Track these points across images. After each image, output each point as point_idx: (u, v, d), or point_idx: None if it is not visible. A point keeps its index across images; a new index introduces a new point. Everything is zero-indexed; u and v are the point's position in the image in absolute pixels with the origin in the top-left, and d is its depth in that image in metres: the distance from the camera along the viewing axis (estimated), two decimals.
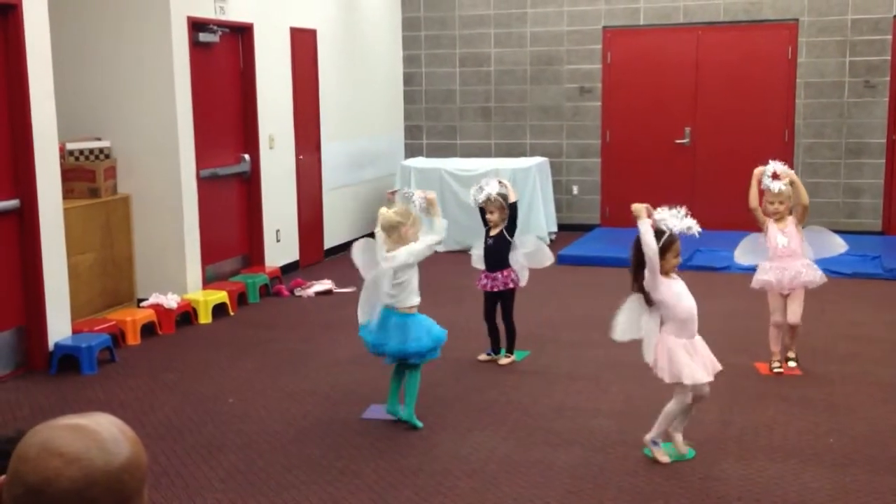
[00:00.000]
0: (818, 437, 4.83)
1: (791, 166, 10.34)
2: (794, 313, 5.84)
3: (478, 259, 6.26)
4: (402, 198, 5.21)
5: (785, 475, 4.37)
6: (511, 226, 6.07)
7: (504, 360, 6.20)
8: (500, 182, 6.16)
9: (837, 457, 4.58)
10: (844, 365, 6.07)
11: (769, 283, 5.85)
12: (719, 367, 4.57)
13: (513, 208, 6.06)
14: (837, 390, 5.57)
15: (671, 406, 4.54)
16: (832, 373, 5.90)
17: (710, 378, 4.53)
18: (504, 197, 6.08)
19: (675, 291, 4.46)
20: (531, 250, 6.17)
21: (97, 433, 1.38)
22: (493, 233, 6.15)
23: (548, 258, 6.24)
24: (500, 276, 6.10)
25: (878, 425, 4.98)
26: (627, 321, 4.58)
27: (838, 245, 5.97)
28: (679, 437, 4.62)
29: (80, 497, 1.33)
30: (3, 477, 1.39)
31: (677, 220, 4.43)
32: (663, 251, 4.40)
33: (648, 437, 4.59)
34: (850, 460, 4.53)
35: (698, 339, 4.53)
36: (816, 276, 5.85)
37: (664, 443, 4.61)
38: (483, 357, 6.26)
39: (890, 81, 10.25)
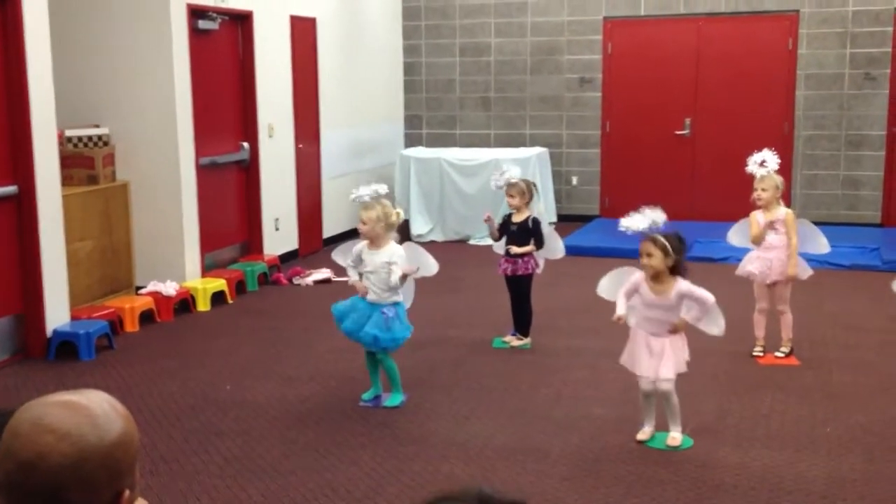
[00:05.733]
0: (815, 426, 4.84)
1: (791, 158, 10.41)
2: (781, 301, 5.94)
3: (498, 246, 6.38)
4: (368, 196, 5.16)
5: (781, 464, 4.38)
6: (538, 240, 6.18)
7: (515, 342, 6.29)
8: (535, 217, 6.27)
9: (834, 446, 4.59)
10: (842, 355, 6.08)
11: (752, 273, 5.94)
12: (660, 376, 4.54)
13: (536, 224, 6.17)
14: (835, 380, 5.58)
15: None
16: (830, 363, 5.91)
17: (643, 374, 4.58)
18: (526, 182, 6.25)
19: (645, 299, 4.57)
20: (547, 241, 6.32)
21: (89, 409, 1.39)
22: (516, 219, 6.21)
23: (560, 251, 6.43)
24: (520, 261, 6.17)
25: (874, 415, 4.99)
26: (611, 283, 4.86)
27: (822, 245, 6.03)
28: (646, 427, 4.68)
29: (72, 473, 1.34)
30: None
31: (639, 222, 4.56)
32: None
33: None
34: (846, 449, 4.54)
35: (662, 342, 4.56)
36: (801, 269, 5.92)
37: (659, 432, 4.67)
38: (509, 338, 6.35)
39: (890, 73, 10.23)
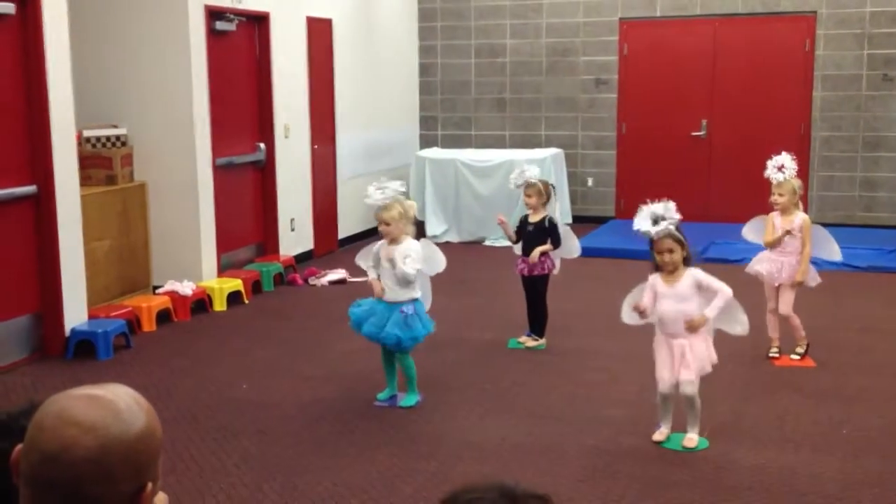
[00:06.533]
0: (831, 429, 4.82)
1: (807, 160, 10.36)
2: (784, 304, 5.89)
3: (519, 247, 6.39)
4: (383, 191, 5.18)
5: (797, 466, 4.37)
6: (555, 239, 6.19)
7: (531, 343, 6.30)
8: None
9: (850, 448, 4.57)
10: (858, 357, 6.05)
11: (760, 273, 5.94)
12: (681, 378, 4.50)
13: (553, 224, 6.18)
14: (851, 382, 5.56)
15: None
16: (846, 365, 5.89)
17: (663, 378, 4.56)
18: (544, 183, 6.26)
19: (658, 292, 4.55)
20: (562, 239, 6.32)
21: (113, 403, 1.40)
22: (532, 219, 6.22)
23: (576, 249, 6.44)
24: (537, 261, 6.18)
25: (891, 417, 4.97)
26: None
27: (835, 252, 6.01)
28: (662, 428, 4.67)
29: (95, 465, 1.35)
30: (20, 446, 1.41)
31: (647, 222, 4.49)
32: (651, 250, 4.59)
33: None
34: (862, 451, 4.52)
35: (681, 344, 4.51)
36: (809, 277, 5.89)
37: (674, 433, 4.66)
38: (524, 339, 6.35)
39: None
